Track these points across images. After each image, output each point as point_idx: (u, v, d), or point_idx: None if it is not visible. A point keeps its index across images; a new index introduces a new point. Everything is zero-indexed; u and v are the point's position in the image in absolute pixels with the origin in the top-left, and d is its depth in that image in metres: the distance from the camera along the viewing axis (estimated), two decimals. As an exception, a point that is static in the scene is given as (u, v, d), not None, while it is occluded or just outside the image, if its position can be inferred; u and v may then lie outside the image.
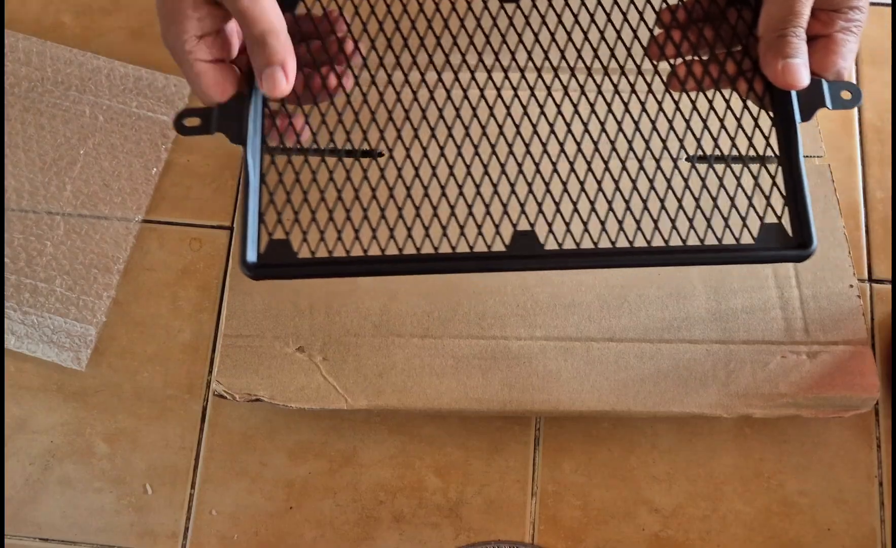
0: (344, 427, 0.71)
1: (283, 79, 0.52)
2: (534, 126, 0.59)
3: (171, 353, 0.73)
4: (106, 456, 0.71)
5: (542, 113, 0.59)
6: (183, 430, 0.71)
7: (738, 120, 0.57)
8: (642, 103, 0.58)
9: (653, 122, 0.58)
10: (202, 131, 0.55)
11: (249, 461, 0.70)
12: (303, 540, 0.69)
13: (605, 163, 0.57)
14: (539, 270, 0.57)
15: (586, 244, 0.54)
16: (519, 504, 0.69)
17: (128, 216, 0.77)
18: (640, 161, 0.56)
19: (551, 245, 0.54)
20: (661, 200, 0.55)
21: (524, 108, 0.59)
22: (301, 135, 0.58)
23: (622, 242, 0.54)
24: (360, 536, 0.69)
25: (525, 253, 0.54)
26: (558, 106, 0.59)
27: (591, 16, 0.63)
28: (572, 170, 0.57)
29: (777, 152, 0.56)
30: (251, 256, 0.54)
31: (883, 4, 0.83)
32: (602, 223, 0.54)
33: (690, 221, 0.54)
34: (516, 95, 0.60)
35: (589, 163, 0.57)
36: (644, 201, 0.55)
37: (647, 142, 0.57)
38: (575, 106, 0.59)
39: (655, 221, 0.54)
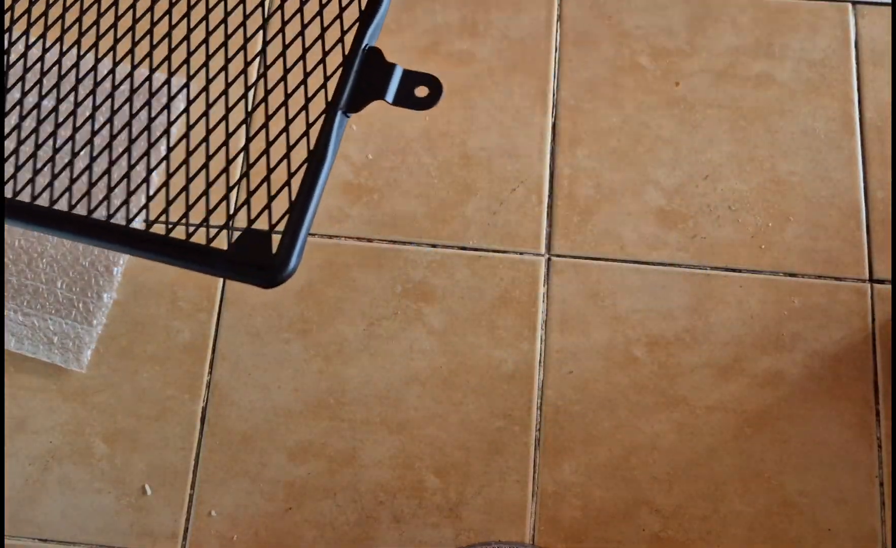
0: (344, 427, 0.71)
1: None
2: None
3: (170, 353, 0.73)
4: (105, 456, 0.71)
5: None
6: (182, 430, 0.71)
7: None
8: None
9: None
10: None
11: (249, 462, 0.70)
12: (302, 541, 0.68)
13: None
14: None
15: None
16: (519, 505, 0.69)
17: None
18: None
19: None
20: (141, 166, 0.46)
21: None
22: None
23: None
24: (359, 536, 0.68)
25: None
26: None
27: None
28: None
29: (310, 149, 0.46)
30: None
31: (883, 4, 0.83)
32: (54, 176, 0.48)
33: (169, 204, 0.46)
34: None
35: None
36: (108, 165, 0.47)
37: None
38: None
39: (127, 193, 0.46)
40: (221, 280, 0.75)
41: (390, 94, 0.47)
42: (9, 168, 0.49)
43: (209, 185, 0.47)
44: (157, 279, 0.75)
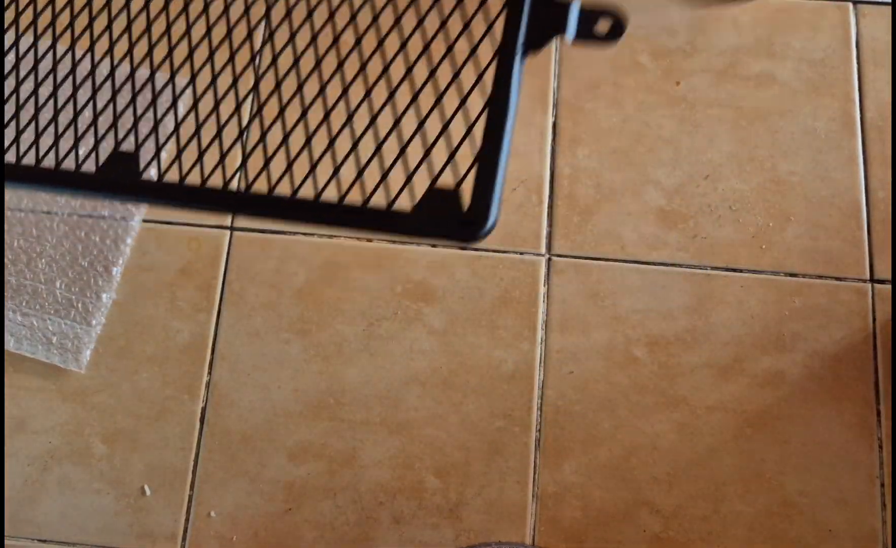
0: (344, 428, 0.71)
1: None
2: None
3: (169, 353, 0.73)
4: (105, 457, 0.71)
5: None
6: (182, 430, 0.71)
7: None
8: None
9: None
10: None
11: (249, 462, 0.70)
12: (302, 541, 0.68)
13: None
14: (134, 202, 0.47)
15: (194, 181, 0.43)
16: (519, 505, 0.69)
17: (127, 216, 0.77)
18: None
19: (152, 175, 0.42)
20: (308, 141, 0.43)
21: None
22: None
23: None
24: (359, 537, 0.68)
25: (120, 180, 0.43)
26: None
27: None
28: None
29: (491, 94, 0.41)
30: None
31: (884, 4, 0.83)
32: (221, 159, 0.44)
33: (360, 174, 0.42)
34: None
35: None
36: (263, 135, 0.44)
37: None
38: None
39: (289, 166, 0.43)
40: (221, 280, 0.75)
41: (570, 30, 0.42)
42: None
43: (379, 145, 0.43)
44: (156, 279, 0.75)
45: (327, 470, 0.70)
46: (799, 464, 0.70)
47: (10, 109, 0.47)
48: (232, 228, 0.77)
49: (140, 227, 0.77)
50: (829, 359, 0.72)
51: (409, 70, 0.44)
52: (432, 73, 0.44)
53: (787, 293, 0.74)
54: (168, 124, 0.48)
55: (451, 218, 0.40)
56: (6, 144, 0.46)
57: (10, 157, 0.46)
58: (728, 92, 0.80)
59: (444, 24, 0.45)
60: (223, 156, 0.44)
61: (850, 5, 0.84)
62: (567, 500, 0.69)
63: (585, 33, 0.42)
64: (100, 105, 0.46)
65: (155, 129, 0.45)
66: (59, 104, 0.47)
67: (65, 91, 0.48)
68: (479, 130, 0.41)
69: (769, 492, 0.69)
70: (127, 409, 0.72)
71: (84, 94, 0.47)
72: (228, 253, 0.76)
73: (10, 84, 0.48)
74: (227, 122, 0.45)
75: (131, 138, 0.45)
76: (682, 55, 0.82)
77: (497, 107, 0.40)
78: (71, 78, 0.48)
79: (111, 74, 0.47)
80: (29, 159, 0.45)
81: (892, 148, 0.79)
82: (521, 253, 0.75)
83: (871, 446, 0.70)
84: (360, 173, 0.42)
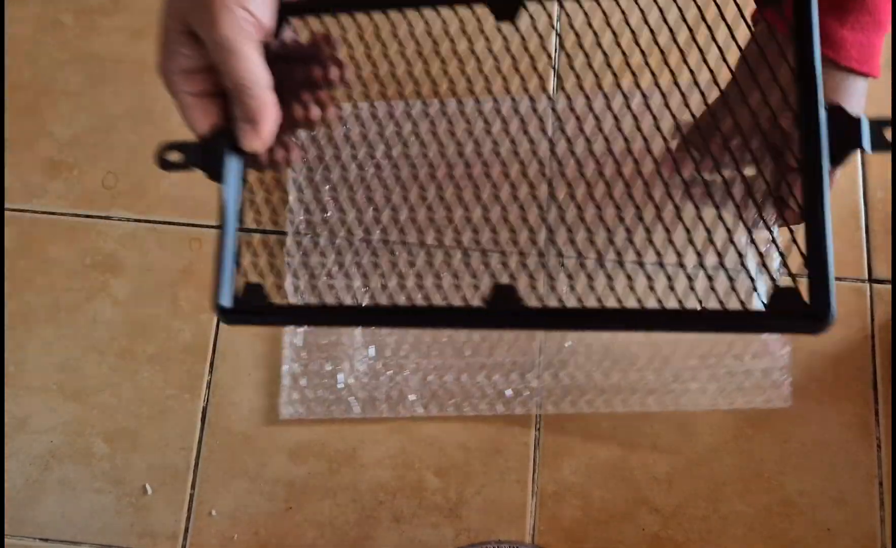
0: (344, 427, 0.71)
1: (256, 137, 0.49)
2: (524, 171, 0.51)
3: (171, 353, 0.73)
4: (106, 456, 0.71)
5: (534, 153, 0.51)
6: (183, 430, 0.71)
7: (757, 163, 0.49)
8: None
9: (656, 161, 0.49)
10: (182, 167, 0.53)
11: (249, 461, 0.70)
12: (302, 540, 0.69)
13: (597, 202, 0.50)
14: (519, 330, 0.52)
15: (572, 302, 0.47)
16: (519, 505, 0.69)
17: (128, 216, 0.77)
18: (636, 204, 0.49)
19: (534, 302, 0.48)
20: (659, 253, 0.48)
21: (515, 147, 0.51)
22: (290, 164, 0.54)
23: (605, 299, 0.47)
24: (359, 536, 0.69)
25: (505, 309, 0.47)
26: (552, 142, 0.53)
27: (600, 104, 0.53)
28: (562, 218, 0.50)
29: (799, 203, 0.47)
30: (225, 301, 0.50)
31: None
32: (589, 279, 0.49)
33: (690, 278, 0.47)
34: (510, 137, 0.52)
35: (580, 204, 0.50)
36: (638, 254, 0.49)
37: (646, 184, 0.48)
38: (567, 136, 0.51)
39: (650, 280, 0.47)
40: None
41: (865, 141, 0.48)
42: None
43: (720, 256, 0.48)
44: (158, 279, 0.75)
45: (328, 470, 0.70)
46: (798, 464, 0.70)
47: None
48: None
49: (141, 226, 0.77)
50: (828, 359, 0.72)
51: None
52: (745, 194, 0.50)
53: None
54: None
55: (798, 314, 0.45)
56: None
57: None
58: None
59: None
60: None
61: (849, 6, 0.84)
62: (567, 499, 0.69)
63: (878, 142, 0.49)
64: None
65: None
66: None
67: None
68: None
69: (769, 492, 0.69)
70: (128, 408, 0.72)
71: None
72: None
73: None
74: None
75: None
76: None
77: (816, 218, 0.46)
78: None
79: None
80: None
81: (893, 147, 0.79)
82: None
83: (871, 445, 0.70)
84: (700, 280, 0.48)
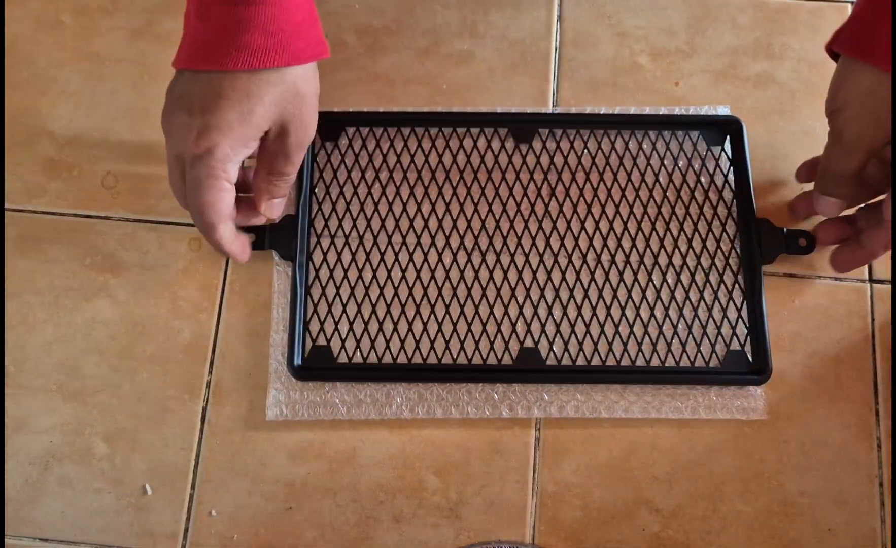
0: (344, 427, 0.71)
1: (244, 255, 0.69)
2: (541, 257, 0.72)
3: (171, 353, 0.73)
4: (106, 456, 0.71)
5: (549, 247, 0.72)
6: (183, 430, 0.71)
7: (712, 258, 0.72)
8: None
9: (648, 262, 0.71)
10: (258, 247, 0.70)
11: (249, 462, 0.70)
12: (302, 541, 0.69)
13: (600, 291, 0.71)
14: (540, 384, 0.68)
15: (581, 362, 0.69)
16: (519, 505, 0.69)
17: (127, 215, 0.77)
18: (629, 291, 0.71)
19: (552, 361, 0.69)
20: (646, 327, 0.70)
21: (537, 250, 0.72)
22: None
23: (608, 360, 0.70)
24: (359, 536, 0.68)
25: (530, 367, 0.68)
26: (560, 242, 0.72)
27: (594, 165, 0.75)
28: (572, 296, 0.70)
29: (743, 289, 0.71)
30: (297, 361, 0.68)
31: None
32: (595, 344, 0.69)
33: (669, 345, 0.70)
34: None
35: (586, 290, 0.71)
36: (631, 328, 0.70)
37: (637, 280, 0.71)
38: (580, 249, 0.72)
39: (639, 345, 0.69)
40: (222, 279, 0.75)
41: (786, 247, 0.72)
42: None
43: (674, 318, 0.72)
44: (158, 279, 0.75)
45: (328, 470, 0.70)
46: (798, 464, 0.70)
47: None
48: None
49: (140, 226, 0.77)
50: (828, 359, 0.72)
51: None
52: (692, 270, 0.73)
53: (786, 294, 0.74)
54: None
55: (744, 371, 0.70)
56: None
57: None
58: (727, 92, 0.80)
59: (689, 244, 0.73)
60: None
61: (850, 6, 0.84)
62: (567, 499, 0.69)
63: (793, 247, 0.73)
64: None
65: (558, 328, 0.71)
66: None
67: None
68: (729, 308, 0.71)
69: (769, 492, 0.69)
70: (128, 408, 0.72)
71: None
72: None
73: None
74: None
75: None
76: (681, 55, 0.82)
77: (753, 302, 0.71)
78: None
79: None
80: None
81: (892, 146, 0.79)
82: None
83: (871, 445, 0.70)
84: (665, 341, 0.72)
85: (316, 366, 0.68)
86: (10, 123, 0.80)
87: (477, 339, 0.69)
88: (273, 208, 0.68)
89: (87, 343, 0.73)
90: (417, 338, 0.69)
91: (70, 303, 0.74)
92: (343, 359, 0.69)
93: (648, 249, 0.71)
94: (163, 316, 0.74)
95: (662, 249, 0.71)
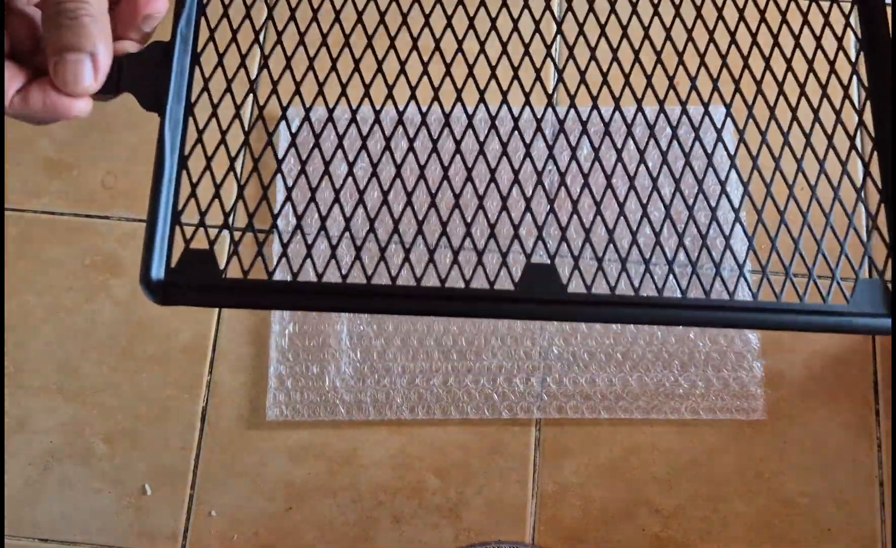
0: (344, 428, 0.71)
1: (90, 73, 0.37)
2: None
3: (170, 353, 0.73)
4: (105, 456, 0.71)
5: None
6: (183, 430, 0.71)
7: (828, 138, 0.44)
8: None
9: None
10: (106, 90, 0.39)
11: (249, 462, 0.70)
12: (302, 541, 0.69)
13: (654, 181, 0.42)
14: (559, 320, 0.44)
15: (622, 289, 0.39)
16: (519, 505, 0.69)
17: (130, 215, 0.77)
18: (700, 182, 0.42)
19: (576, 286, 0.38)
20: (727, 237, 0.41)
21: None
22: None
23: (652, 289, 0.40)
24: (359, 536, 0.68)
25: (540, 296, 0.38)
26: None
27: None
28: (609, 186, 0.41)
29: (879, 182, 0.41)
30: (157, 272, 0.37)
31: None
32: (647, 263, 0.40)
33: (764, 271, 0.42)
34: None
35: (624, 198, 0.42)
36: (703, 236, 0.41)
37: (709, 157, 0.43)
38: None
39: (717, 265, 0.40)
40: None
41: None
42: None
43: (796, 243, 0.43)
44: (157, 279, 0.75)
45: (328, 470, 0.70)
46: (798, 464, 0.70)
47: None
48: (231, 228, 0.76)
49: (140, 225, 0.77)
50: (828, 359, 0.72)
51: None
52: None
53: (784, 294, 0.74)
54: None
55: (882, 312, 0.40)
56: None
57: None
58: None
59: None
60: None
61: (850, 5, 0.84)
62: (567, 499, 0.69)
63: None
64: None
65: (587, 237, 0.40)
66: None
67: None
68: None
69: (769, 492, 0.69)
70: (128, 408, 0.72)
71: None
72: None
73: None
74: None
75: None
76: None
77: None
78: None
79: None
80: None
81: (892, 146, 0.79)
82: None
83: (871, 445, 0.70)
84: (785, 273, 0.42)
85: (188, 283, 0.38)
86: (10, 123, 0.80)
87: (480, 254, 0.39)
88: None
89: (87, 343, 0.73)
90: (383, 247, 0.39)
91: (70, 303, 0.74)
92: (237, 273, 0.39)
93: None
94: (163, 316, 0.74)
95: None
